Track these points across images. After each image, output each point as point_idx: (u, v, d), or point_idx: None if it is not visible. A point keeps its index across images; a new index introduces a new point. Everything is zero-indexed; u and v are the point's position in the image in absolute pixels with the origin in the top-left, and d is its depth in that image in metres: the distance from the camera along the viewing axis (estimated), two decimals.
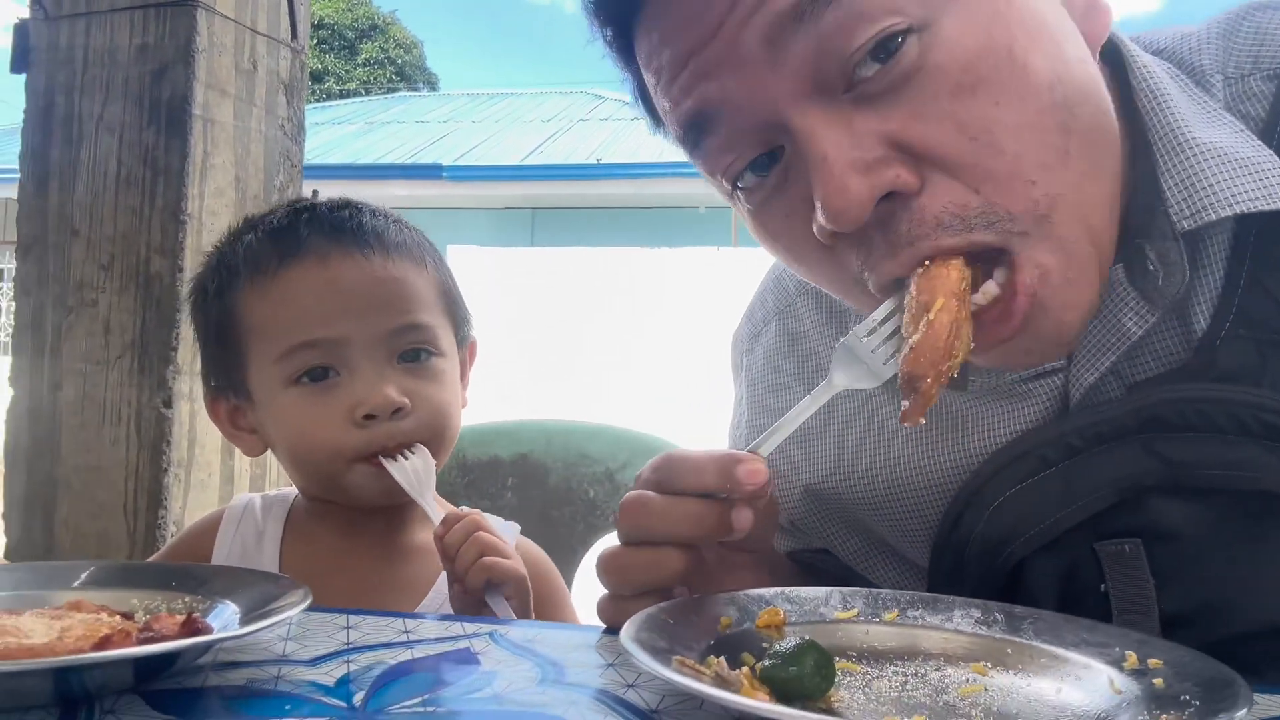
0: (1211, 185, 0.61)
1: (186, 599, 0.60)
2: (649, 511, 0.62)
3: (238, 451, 1.93)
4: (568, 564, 1.25)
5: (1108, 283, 0.63)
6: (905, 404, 0.59)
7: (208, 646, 0.52)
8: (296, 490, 0.98)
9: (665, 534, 0.62)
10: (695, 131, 0.64)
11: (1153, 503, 0.63)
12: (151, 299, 1.69)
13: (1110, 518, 0.65)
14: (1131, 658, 0.50)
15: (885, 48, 0.57)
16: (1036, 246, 0.58)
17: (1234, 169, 0.61)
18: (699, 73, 0.61)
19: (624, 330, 9.89)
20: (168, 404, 1.69)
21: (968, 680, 0.53)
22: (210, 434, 1.82)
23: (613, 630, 0.62)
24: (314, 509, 0.95)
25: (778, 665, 0.47)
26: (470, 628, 0.63)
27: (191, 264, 1.72)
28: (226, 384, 0.93)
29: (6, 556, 1.77)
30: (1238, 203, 0.60)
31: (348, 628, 0.62)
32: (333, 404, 0.85)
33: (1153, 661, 0.49)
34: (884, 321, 0.63)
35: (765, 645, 0.52)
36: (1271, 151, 0.63)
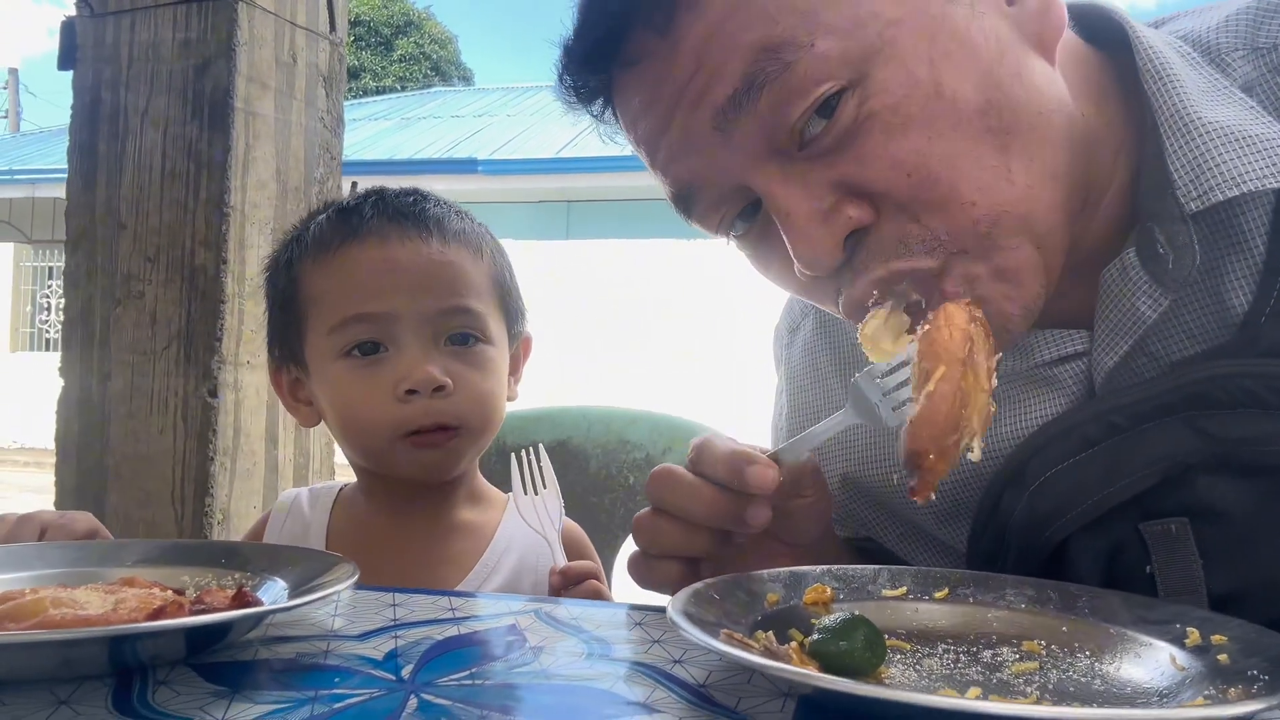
0: (1218, 165, 0.61)
1: (236, 575, 0.61)
2: (670, 486, 0.66)
3: (281, 440, 1.97)
4: (608, 549, 1.25)
5: (1057, 279, 0.64)
6: (912, 481, 0.56)
7: (259, 619, 0.52)
8: (341, 483, 1.01)
9: (681, 511, 0.65)
10: (682, 203, 0.70)
11: (1199, 481, 0.62)
12: (197, 290, 1.72)
13: (1155, 497, 0.64)
14: (1194, 634, 0.49)
15: (828, 104, 0.61)
16: (971, 263, 0.61)
17: (1242, 147, 0.62)
18: (668, 158, 0.68)
19: (659, 321, 9.89)
20: (213, 393, 1.72)
21: (1021, 657, 0.52)
22: (255, 423, 1.85)
23: (656, 608, 0.62)
24: (362, 487, 0.97)
25: (827, 639, 0.46)
26: (516, 605, 0.64)
27: (235, 256, 1.75)
28: (288, 355, 0.96)
29: None
30: (1246, 181, 0.61)
31: (394, 605, 0.63)
32: (378, 378, 0.87)
33: (1216, 638, 0.48)
34: (896, 369, 0.60)
35: (814, 621, 0.51)
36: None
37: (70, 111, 1.82)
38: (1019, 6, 0.65)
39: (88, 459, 1.80)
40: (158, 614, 0.47)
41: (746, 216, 0.69)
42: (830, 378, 0.90)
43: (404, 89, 22.40)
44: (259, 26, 1.79)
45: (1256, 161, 0.61)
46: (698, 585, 0.53)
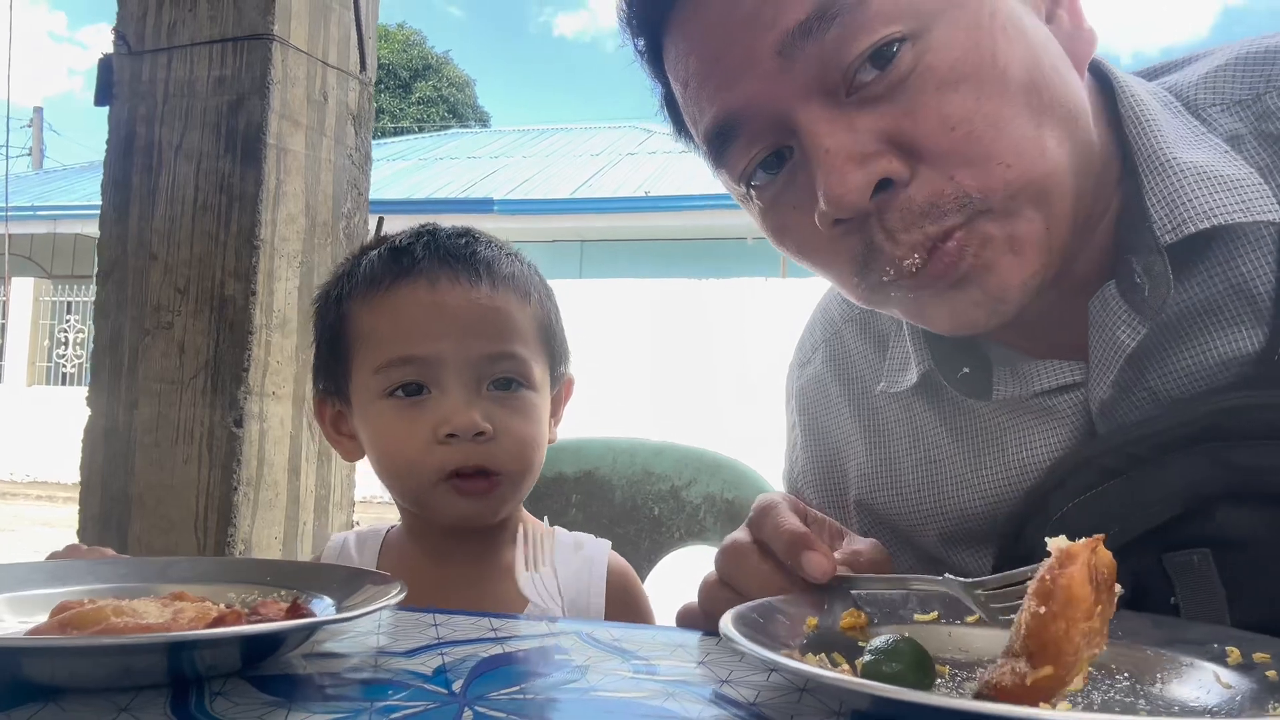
0: (1191, 200, 0.65)
1: (283, 593, 0.61)
2: (737, 564, 0.68)
3: (303, 471, 1.98)
4: None
5: (1054, 265, 0.66)
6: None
7: (315, 628, 0.53)
8: (387, 526, 1.01)
9: (744, 589, 0.66)
10: (719, 138, 0.71)
11: (1220, 512, 0.63)
12: (225, 322, 1.74)
13: (1177, 528, 0.65)
14: (1234, 653, 0.49)
15: (883, 55, 0.63)
16: (990, 222, 0.64)
17: (1213, 185, 0.66)
18: (721, 84, 0.68)
19: (670, 359, 9.90)
20: (239, 423, 1.73)
21: None
22: (278, 454, 1.87)
23: (694, 632, 0.63)
24: (407, 529, 0.98)
25: (879, 660, 0.47)
26: (557, 627, 0.64)
27: (264, 288, 1.77)
28: (333, 388, 0.97)
29: None
30: (1216, 215, 0.65)
31: (436, 625, 0.63)
32: (420, 420, 0.88)
33: (1258, 656, 0.48)
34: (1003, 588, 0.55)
35: (861, 644, 0.51)
36: (1252, 169, 0.67)
37: (105, 146, 1.86)
38: (1055, 25, 0.69)
39: (113, 487, 1.81)
40: (218, 623, 0.47)
41: (770, 167, 0.70)
42: (840, 405, 0.92)
43: (421, 130, 22.70)
44: (292, 65, 1.83)
45: (1227, 198, 0.65)
46: (741, 608, 0.54)
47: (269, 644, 0.50)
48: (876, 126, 0.64)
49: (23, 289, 12.67)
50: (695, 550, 1.28)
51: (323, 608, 0.58)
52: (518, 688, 0.50)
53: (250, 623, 0.49)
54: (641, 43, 0.75)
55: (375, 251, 0.96)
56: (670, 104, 0.78)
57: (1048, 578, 0.44)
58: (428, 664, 0.53)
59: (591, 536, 0.98)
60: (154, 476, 1.77)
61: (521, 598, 0.92)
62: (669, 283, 10.45)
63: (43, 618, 0.52)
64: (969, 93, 0.63)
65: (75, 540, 1.65)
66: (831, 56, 0.63)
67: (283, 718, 0.44)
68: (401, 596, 0.55)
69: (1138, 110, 0.71)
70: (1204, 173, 0.66)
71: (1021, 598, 0.47)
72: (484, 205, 11.97)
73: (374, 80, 2.08)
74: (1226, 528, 0.63)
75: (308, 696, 0.48)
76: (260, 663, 0.51)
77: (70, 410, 12.17)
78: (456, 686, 0.49)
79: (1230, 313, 0.67)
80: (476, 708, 0.45)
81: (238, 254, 1.75)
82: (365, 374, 0.91)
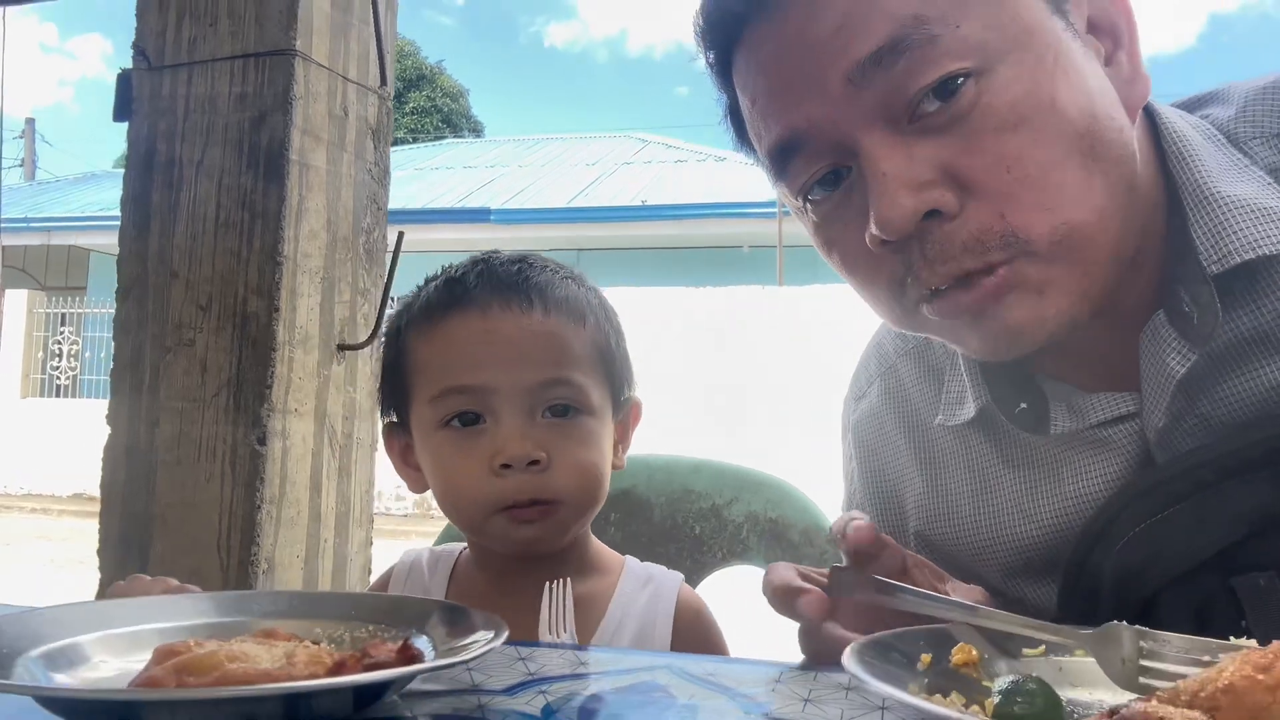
0: (1236, 232, 0.68)
1: (370, 628, 0.60)
2: (771, 590, 0.71)
3: (325, 489, 1.96)
4: None
5: (1089, 306, 0.69)
6: None
7: (438, 669, 0.52)
8: (460, 547, 1.02)
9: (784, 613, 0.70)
10: (783, 154, 0.74)
11: None
12: (248, 339, 1.72)
13: (1243, 551, 0.66)
14: None
15: (947, 87, 0.65)
16: (1030, 265, 0.66)
17: (1257, 217, 0.68)
18: (788, 104, 0.71)
19: (670, 369, 9.89)
20: (262, 441, 1.72)
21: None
22: (300, 471, 1.85)
23: (789, 665, 0.62)
24: (475, 557, 0.97)
25: (1011, 702, 0.46)
26: (644, 661, 0.63)
27: (286, 304, 1.76)
28: (398, 420, 0.98)
29: (99, 595, 1.80)
30: (1261, 247, 0.67)
31: (522, 659, 0.62)
32: (476, 450, 0.88)
33: None
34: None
35: (986, 684, 0.50)
36: None
37: (125, 162, 1.85)
38: (1114, 68, 0.71)
39: (134, 505, 1.79)
40: (338, 668, 0.46)
41: (827, 184, 0.73)
42: (897, 438, 0.92)
43: (416, 141, 22.70)
44: (314, 81, 1.82)
45: (1271, 229, 0.67)
46: (855, 647, 0.53)
47: (380, 688, 0.49)
48: (934, 157, 0.66)
49: (16, 301, 12.61)
50: (740, 570, 1.27)
51: (421, 644, 0.56)
52: None
53: (365, 664, 0.48)
54: (713, 55, 0.78)
55: (434, 282, 0.97)
56: (734, 115, 0.80)
57: (1272, 653, 0.45)
58: (533, 704, 0.52)
59: (663, 569, 0.97)
60: (176, 495, 1.75)
61: (588, 629, 0.90)
62: (666, 291, 10.45)
63: (140, 657, 0.50)
64: (1026, 134, 0.65)
65: (75, 554, 1.63)
66: (898, 86, 0.66)
67: None
68: (505, 638, 0.54)
69: (1180, 145, 0.73)
70: (1247, 205, 0.68)
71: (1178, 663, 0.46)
72: (480, 215, 11.97)
73: (392, 94, 2.08)
74: None
75: None
76: (368, 706, 0.49)
77: (65, 422, 12.13)
78: None
79: (1278, 339, 0.68)
80: None
81: (260, 270, 1.73)
82: (423, 405, 0.92)
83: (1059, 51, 0.67)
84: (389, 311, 1.05)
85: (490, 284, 0.91)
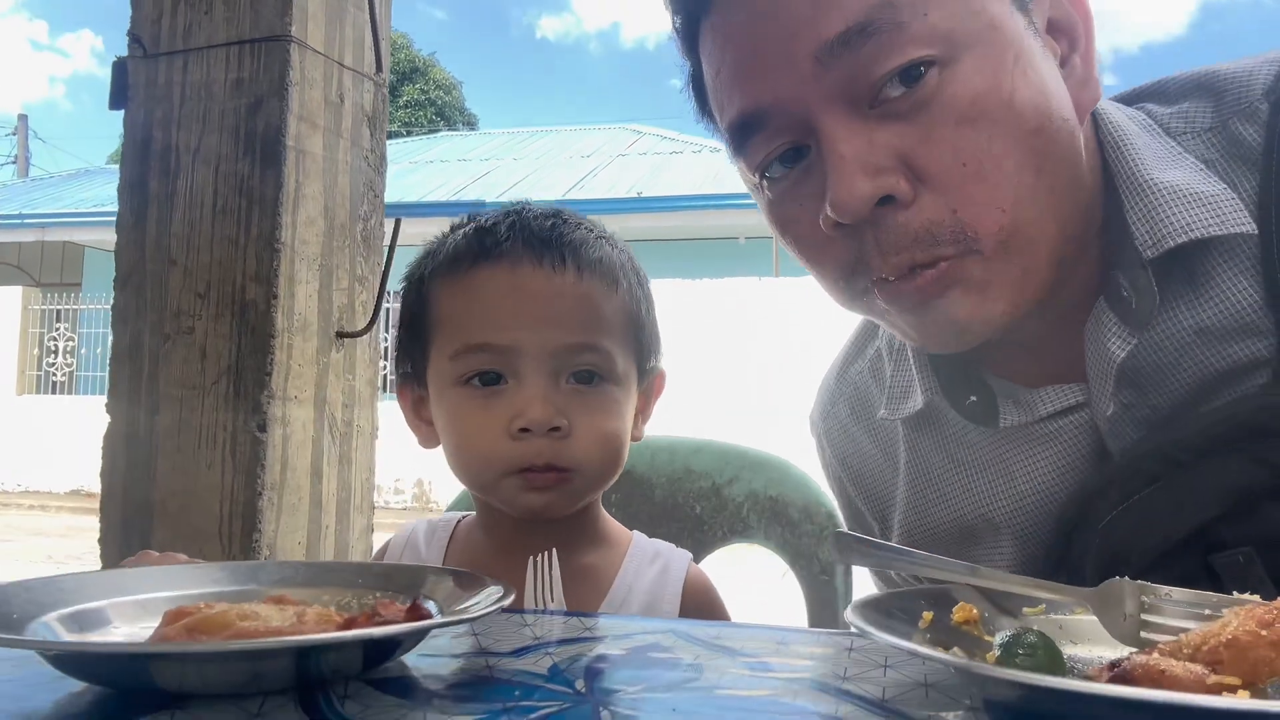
0: (1168, 217, 0.69)
1: (377, 594, 0.61)
2: None
3: (325, 475, 1.96)
4: None
5: (1028, 304, 0.70)
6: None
7: (425, 632, 0.52)
8: (459, 515, 1.00)
9: None
10: (744, 128, 0.74)
11: (1263, 510, 0.65)
12: (247, 325, 1.72)
13: (1221, 529, 0.66)
14: None
15: (910, 74, 0.66)
16: (975, 263, 0.67)
17: (1189, 202, 0.70)
18: (753, 76, 0.71)
19: (666, 360, 9.89)
20: (262, 428, 1.72)
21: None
22: (301, 458, 1.85)
23: (794, 629, 0.63)
24: (480, 522, 0.96)
25: (1012, 653, 0.46)
26: (650, 625, 0.63)
27: (285, 291, 1.76)
28: (412, 372, 0.94)
29: None
30: (1193, 230, 0.69)
31: (527, 624, 0.63)
32: (495, 411, 0.86)
33: None
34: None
35: (988, 639, 0.51)
36: (1226, 186, 0.71)
37: (121, 150, 1.85)
38: (1068, 70, 0.72)
39: (135, 494, 1.79)
40: (348, 626, 0.47)
41: (786, 161, 0.73)
42: (868, 448, 0.95)
43: (409, 134, 22.64)
44: (310, 67, 1.82)
45: (1202, 213, 0.69)
46: (857, 604, 0.53)
47: (390, 646, 0.49)
48: (893, 143, 0.67)
49: (11, 298, 12.57)
50: (740, 549, 1.28)
51: (429, 607, 0.57)
52: (641, 686, 0.49)
53: (375, 625, 0.49)
54: (680, 21, 0.78)
55: (461, 230, 0.92)
56: (696, 85, 0.80)
57: (1276, 609, 0.45)
58: (539, 664, 0.53)
59: (671, 546, 0.96)
60: (177, 483, 1.76)
61: (593, 602, 0.90)
62: (662, 283, 10.42)
63: (151, 623, 0.51)
64: (983, 129, 0.66)
65: (73, 550, 1.63)
66: (864, 69, 0.67)
67: (421, 718, 0.43)
68: (512, 597, 0.55)
69: (1117, 135, 0.75)
70: (1180, 191, 0.70)
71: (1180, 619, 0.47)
72: (476, 208, 11.93)
73: (388, 82, 2.07)
74: (1270, 526, 0.65)
75: (439, 696, 0.47)
76: (377, 666, 0.50)
77: (61, 419, 12.11)
78: (579, 686, 0.49)
79: (1220, 324, 0.70)
80: (613, 708, 0.45)
81: (259, 257, 1.73)
82: (442, 359, 0.88)
83: (1020, 49, 0.68)
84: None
85: (522, 237, 0.87)
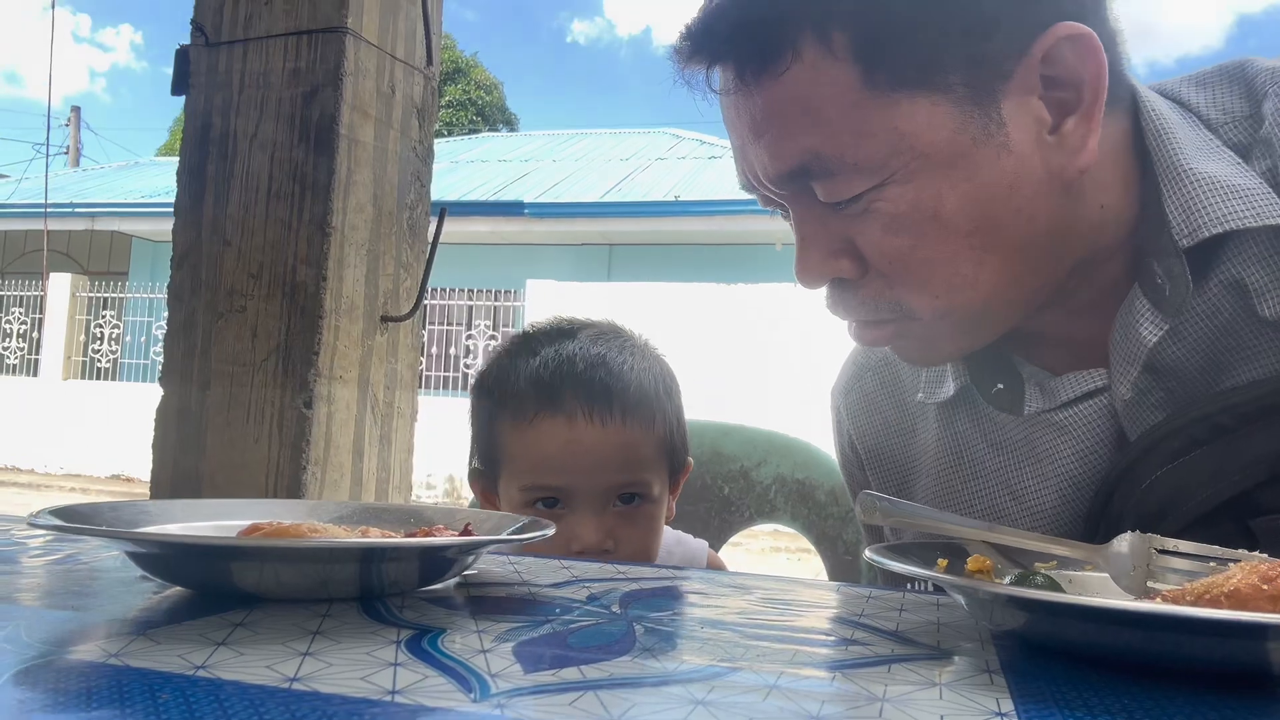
0: (1206, 208, 0.72)
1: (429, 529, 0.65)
2: None
3: (367, 454, 2.03)
4: None
5: (990, 338, 0.79)
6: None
7: (478, 547, 0.56)
8: None
9: None
10: (747, 189, 0.85)
11: None
12: (297, 306, 1.79)
13: (1262, 494, 0.69)
14: None
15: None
16: (916, 326, 0.77)
17: (1226, 194, 0.72)
18: (743, 166, 0.82)
19: (700, 365, 9.93)
20: (308, 405, 1.78)
21: None
22: (344, 436, 1.91)
23: (810, 582, 0.66)
24: None
25: (1021, 588, 0.50)
26: (671, 572, 0.67)
27: (334, 274, 1.82)
28: (485, 472, 1.13)
29: None
30: (1228, 221, 0.71)
31: (565, 568, 0.67)
32: (556, 529, 1.01)
33: None
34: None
35: (995, 580, 0.54)
36: (1260, 179, 0.73)
37: (182, 134, 1.92)
38: (1059, 137, 0.73)
39: (184, 465, 1.86)
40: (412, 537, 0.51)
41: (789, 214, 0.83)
42: (893, 420, 0.99)
43: (450, 134, 22.86)
44: (364, 59, 1.88)
45: (1238, 205, 0.72)
46: (876, 548, 0.57)
47: (442, 565, 0.53)
48: (842, 232, 0.77)
49: (60, 285, 12.89)
50: (762, 528, 1.32)
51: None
52: (672, 611, 0.53)
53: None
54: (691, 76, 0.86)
55: (523, 375, 1.08)
56: None
57: None
58: (578, 594, 0.57)
59: (690, 536, 1.09)
60: (225, 455, 1.82)
61: None
62: (697, 287, 10.48)
63: None
64: (907, 238, 0.74)
65: None
66: (810, 191, 0.77)
67: (472, 624, 0.47)
68: (553, 530, 0.59)
69: (1159, 124, 0.77)
70: (1217, 182, 0.73)
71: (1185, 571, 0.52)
72: (515, 208, 12.05)
73: (437, 74, 2.13)
74: None
75: (487, 611, 0.51)
76: (432, 583, 0.54)
77: (104, 405, 12.39)
78: (615, 608, 0.53)
79: (1239, 316, 0.72)
80: (647, 624, 0.49)
81: (309, 241, 1.80)
82: (510, 482, 1.08)
83: (952, 167, 0.72)
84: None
85: (575, 393, 1.04)
